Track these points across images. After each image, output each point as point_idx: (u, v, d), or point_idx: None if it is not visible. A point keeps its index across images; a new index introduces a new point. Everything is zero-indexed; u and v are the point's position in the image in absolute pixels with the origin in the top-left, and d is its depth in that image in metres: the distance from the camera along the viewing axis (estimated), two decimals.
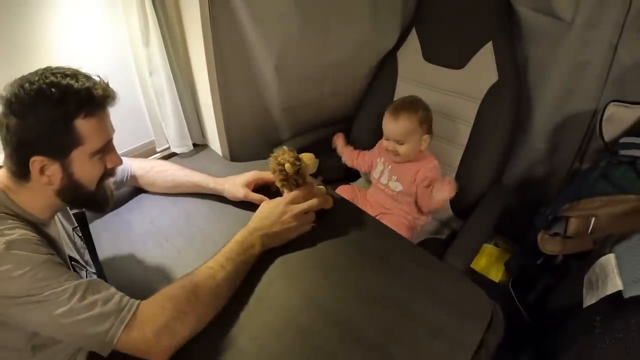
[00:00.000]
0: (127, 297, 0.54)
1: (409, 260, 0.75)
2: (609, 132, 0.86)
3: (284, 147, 0.76)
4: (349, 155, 1.21)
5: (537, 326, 1.05)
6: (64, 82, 0.52)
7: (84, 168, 0.57)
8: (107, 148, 0.60)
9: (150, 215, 0.90)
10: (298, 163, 0.74)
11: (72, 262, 0.70)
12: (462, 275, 0.73)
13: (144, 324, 0.52)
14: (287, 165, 0.72)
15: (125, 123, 1.06)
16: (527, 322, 1.09)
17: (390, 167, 1.06)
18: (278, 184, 0.77)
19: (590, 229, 0.76)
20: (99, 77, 0.58)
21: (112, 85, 0.96)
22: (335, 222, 0.83)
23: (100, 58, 0.93)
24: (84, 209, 0.73)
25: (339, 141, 1.24)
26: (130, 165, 0.89)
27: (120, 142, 1.06)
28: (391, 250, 0.78)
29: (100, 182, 0.62)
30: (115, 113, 1.02)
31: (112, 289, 0.54)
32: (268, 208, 0.75)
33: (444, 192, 0.91)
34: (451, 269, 0.74)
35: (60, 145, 0.54)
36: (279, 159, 0.74)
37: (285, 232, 0.74)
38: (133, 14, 0.88)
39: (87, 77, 0.55)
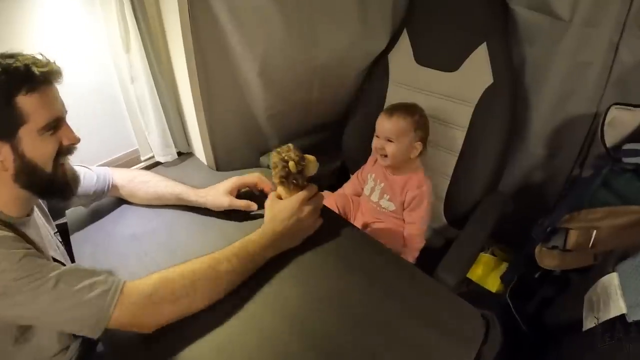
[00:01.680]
0: (112, 276, 0.55)
1: (397, 277, 0.72)
2: (611, 137, 0.81)
3: (290, 145, 0.75)
4: (353, 187, 1.15)
5: (535, 338, 1.01)
6: (4, 62, 0.53)
7: (35, 146, 0.56)
8: (59, 125, 0.59)
9: (132, 228, 0.88)
10: (302, 163, 0.73)
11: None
12: (453, 294, 0.69)
13: (134, 303, 0.53)
14: (291, 164, 0.72)
15: (108, 131, 1.06)
16: (525, 333, 1.05)
17: (382, 185, 1.02)
18: (275, 180, 0.76)
19: (591, 242, 0.71)
20: (42, 55, 0.58)
21: (94, 92, 0.92)
22: (321, 235, 0.79)
23: (81, 65, 0.91)
24: (47, 199, 0.72)
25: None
26: (112, 175, 0.87)
27: (103, 151, 1.07)
28: (378, 266, 0.74)
29: (56, 162, 0.61)
30: (97, 121, 1.02)
31: (96, 271, 0.55)
32: (283, 209, 0.73)
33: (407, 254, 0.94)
34: (442, 287, 0.70)
35: (5, 124, 0.54)
36: (283, 155, 0.73)
37: (303, 231, 0.74)
38: (113, 20, 0.86)
39: (29, 57, 0.55)
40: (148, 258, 0.80)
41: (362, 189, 1.10)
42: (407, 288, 0.69)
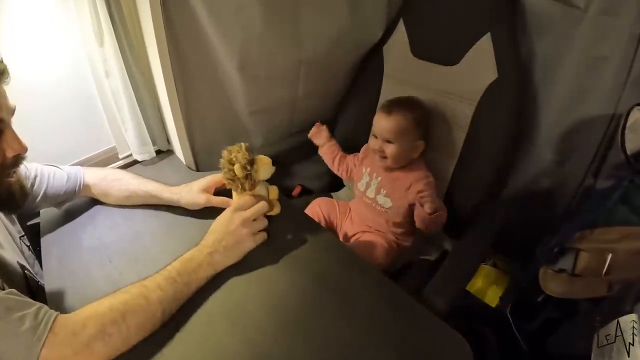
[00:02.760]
0: (44, 309, 0.49)
1: (378, 299, 0.64)
2: (633, 143, 0.70)
3: (242, 144, 0.70)
4: (328, 152, 1.07)
5: (536, 355, 0.92)
6: None
7: None
8: (1, 131, 0.53)
9: (100, 231, 0.85)
10: (249, 168, 0.68)
11: (25, 271, 0.70)
12: (440, 320, 0.61)
13: (63, 342, 0.48)
14: (237, 167, 0.67)
15: (84, 128, 1.01)
16: (525, 352, 0.96)
17: (379, 179, 0.94)
18: (224, 181, 0.72)
19: (605, 267, 0.60)
20: None
21: (67, 88, 0.88)
22: (294, 247, 0.73)
23: (52, 58, 0.87)
24: None
25: (321, 133, 1.08)
26: (83, 174, 0.83)
27: (79, 149, 1.02)
28: (357, 285, 0.66)
29: (1, 175, 0.55)
30: (73, 118, 0.96)
31: (28, 302, 0.50)
32: (216, 221, 0.70)
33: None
34: (427, 312, 0.62)
35: None
36: (232, 156, 0.68)
37: (238, 245, 0.67)
38: (85, 12, 0.81)
39: None
40: (111, 265, 0.76)
41: (356, 184, 1.00)
42: (387, 312, 0.62)
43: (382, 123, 0.86)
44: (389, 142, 0.85)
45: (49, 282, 0.73)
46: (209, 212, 0.86)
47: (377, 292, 0.65)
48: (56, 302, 0.68)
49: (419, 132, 0.86)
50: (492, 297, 1.07)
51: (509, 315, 1.00)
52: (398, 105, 0.87)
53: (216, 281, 0.67)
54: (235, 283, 0.66)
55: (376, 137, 0.88)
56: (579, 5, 0.76)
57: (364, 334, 0.58)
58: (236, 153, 0.68)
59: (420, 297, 0.67)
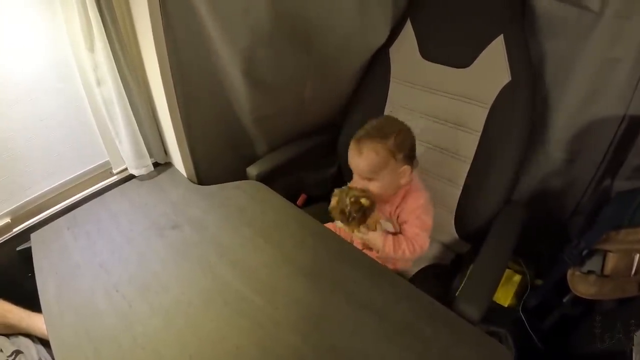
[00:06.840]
0: None
1: (413, 314, 0.62)
2: None
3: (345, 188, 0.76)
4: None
5: (551, 354, 0.94)
6: None
7: None
8: None
9: (101, 257, 0.79)
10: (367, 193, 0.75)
11: None
12: (479, 330, 0.59)
13: None
14: (363, 200, 0.74)
15: (73, 142, 0.92)
16: (540, 349, 0.98)
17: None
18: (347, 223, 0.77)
19: (634, 268, 0.61)
20: None
21: (53, 98, 0.81)
22: (324, 266, 0.70)
23: (36, 66, 0.80)
24: None
25: None
26: None
27: (69, 165, 0.92)
28: (391, 301, 0.64)
29: None
30: (60, 130, 0.87)
31: None
32: None
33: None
34: (465, 323, 0.60)
35: None
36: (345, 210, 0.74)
37: None
38: (73, 14, 0.74)
39: None
40: (119, 295, 0.71)
41: None
42: (426, 326, 0.60)
43: (356, 162, 0.77)
44: (369, 179, 0.77)
45: (50, 319, 0.67)
46: (219, 229, 0.81)
47: (410, 306, 0.63)
48: (62, 343, 0.62)
49: (400, 158, 0.76)
50: (504, 297, 1.07)
51: (521, 314, 1.01)
52: (368, 138, 0.76)
53: (240, 310, 0.63)
54: (260, 310, 0.63)
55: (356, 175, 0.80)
56: (594, 9, 0.76)
57: (405, 351, 0.56)
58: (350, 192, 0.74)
59: (452, 306, 0.66)
